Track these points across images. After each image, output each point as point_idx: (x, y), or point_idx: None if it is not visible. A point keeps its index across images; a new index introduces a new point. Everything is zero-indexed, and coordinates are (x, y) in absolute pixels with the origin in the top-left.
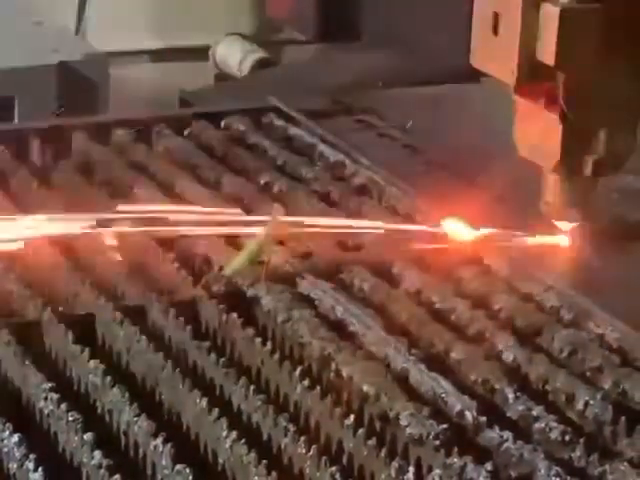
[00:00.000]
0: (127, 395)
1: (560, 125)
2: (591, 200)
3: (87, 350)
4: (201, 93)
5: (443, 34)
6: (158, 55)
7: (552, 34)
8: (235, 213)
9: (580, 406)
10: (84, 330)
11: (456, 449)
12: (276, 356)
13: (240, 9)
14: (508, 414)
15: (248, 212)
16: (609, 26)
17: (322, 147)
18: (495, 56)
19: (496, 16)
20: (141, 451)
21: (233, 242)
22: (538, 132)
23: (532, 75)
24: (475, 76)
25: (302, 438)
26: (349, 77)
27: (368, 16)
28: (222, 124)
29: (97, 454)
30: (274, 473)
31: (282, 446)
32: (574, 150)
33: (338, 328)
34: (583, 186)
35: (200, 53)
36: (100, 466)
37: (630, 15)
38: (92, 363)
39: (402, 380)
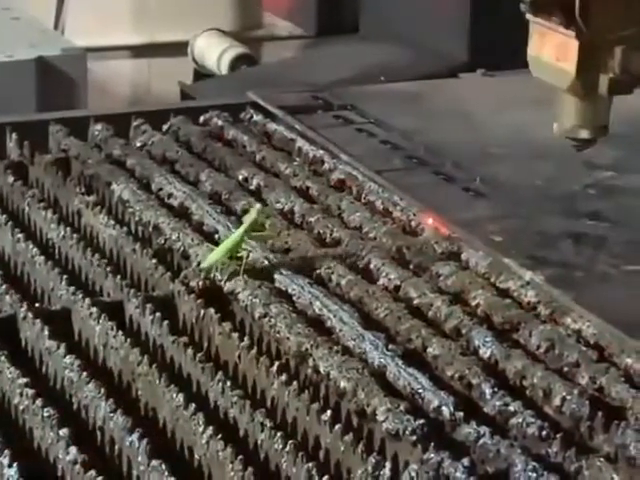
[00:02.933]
0: (103, 391)
1: (576, 43)
2: (605, 119)
3: (63, 346)
4: (202, 86)
5: (442, 28)
6: (137, 50)
7: None
8: None
9: (557, 402)
10: (60, 325)
11: (433, 444)
12: (253, 352)
13: (220, 5)
14: (485, 410)
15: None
16: None
17: (301, 143)
18: None
19: None
20: (117, 447)
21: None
22: (553, 51)
23: None
24: (473, 70)
25: (278, 434)
26: (341, 72)
27: (366, 10)
28: (201, 119)
29: (72, 450)
30: (250, 469)
31: (258, 442)
32: (590, 68)
33: (316, 324)
34: (598, 105)
35: (179, 48)
36: (75, 462)
37: None
38: (68, 359)
39: (379, 376)
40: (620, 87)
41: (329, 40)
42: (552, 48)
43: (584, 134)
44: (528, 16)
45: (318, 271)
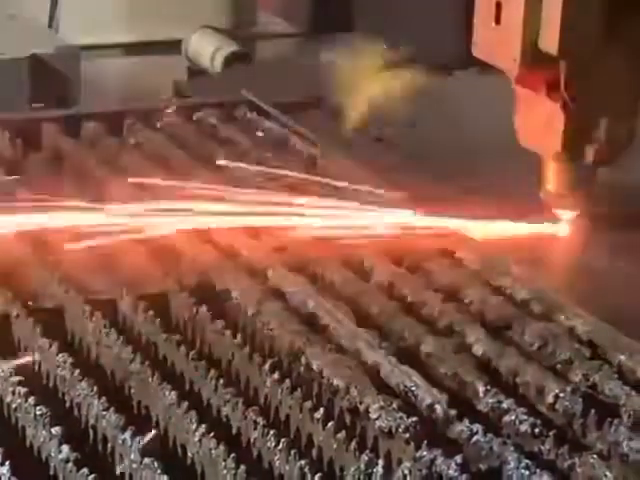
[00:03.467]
0: (96, 388)
1: (562, 113)
2: (591, 188)
3: (56, 344)
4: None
5: (436, 26)
6: (130, 48)
7: (555, 23)
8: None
9: (550, 399)
10: (53, 323)
11: (426, 442)
12: (246, 349)
13: (214, 2)
14: (478, 407)
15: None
16: (612, 15)
17: (294, 140)
18: (497, 45)
19: (498, 6)
20: (109, 445)
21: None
22: (539, 121)
23: (534, 63)
24: (464, 69)
25: (271, 432)
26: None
27: (360, 8)
28: (194, 117)
29: (65, 448)
30: (243, 466)
31: (251, 440)
32: (575, 138)
33: (309, 321)
34: (583, 174)
35: (173, 46)
36: (68, 460)
37: (633, 3)
38: (61, 357)
39: (372, 373)
40: (605, 156)
41: (323, 38)
42: (539, 118)
43: (569, 201)
44: (515, 86)
45: (312, 269)
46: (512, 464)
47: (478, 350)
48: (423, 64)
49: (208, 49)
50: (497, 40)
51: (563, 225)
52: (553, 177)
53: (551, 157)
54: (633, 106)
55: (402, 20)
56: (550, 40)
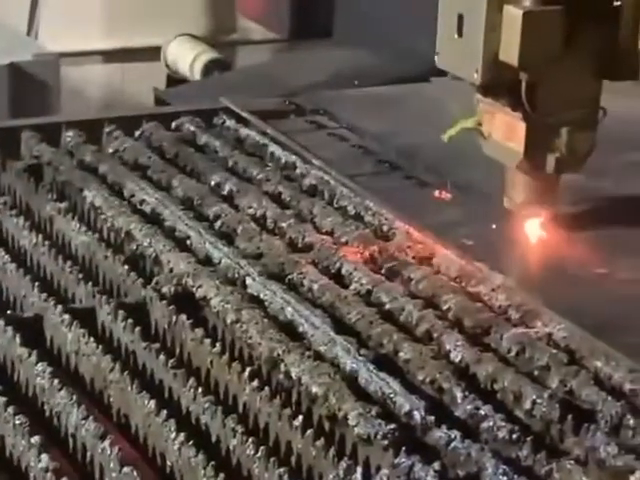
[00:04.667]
0: (75, 397)
1: (523, 124)
2: (554, 197)
3: (35, 352)
4: (176, 92)
5: (415, 32)
6: (110, 55)
7: (515, 35)
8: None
9: (528, 405)
10: (32, 332)
11: (404, 449)
12: (225, 357)
13: (194, 9)
14: (456, 413)
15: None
16: (571, 27)
17: (273, 147)
18: (460, 57)
19: (460, 18)
20: (89, 454)
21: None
22: (502, 131)
23: (496, 75)
24: (444, 74)
25: (250, 439)
26: (315, 76)
27: (341, 13)
28: (173, 125)
29: (44, 457)
30: (222, 474)
31: (230, 448)
32: (537, 148)
33: (287, 329)
34: (546, 183)
35: (153, 53)
36: (47, 469)
37: (591, 15)
38: (40, 366)
39: (351, 380)
40: (567, 166)
41: (303, 44)
42: (501, 128)
43: (533, 210)
44: (478, 97)
45: (290, 276)
46: (490, 470)
47: (456, 356)
48: (402, 70)
49: (187, 56)
50: (459, 51)
51: (532, 230)
52: (516, 185)
53: (514, 166)
54: (593, 115)
55: (381, 26)
56: (510, 51)
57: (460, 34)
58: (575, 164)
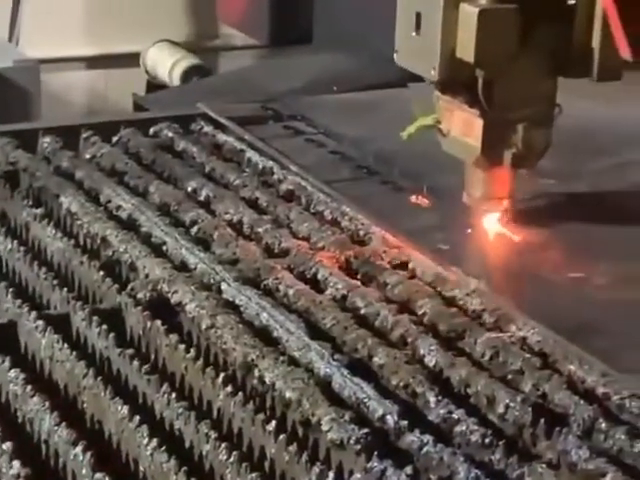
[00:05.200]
0: (47, 404)
1: (480, 120)
2: (511, 192)
3: (8, 359)
4: (154, 98)
5: (393, 39)
6: (91, 62)
7: (471, 33)
8: None
9: (501, 409)
10: (6, 338)
11: (376, 453)
12: (199, 363)
13: (175, 15)
14: (429, 418)
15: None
16: (526, 25)
17: (250, 153)
18: (418, 54)
19: (418, 15)
20: (61, 460)
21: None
22: (459, 127)
23: (453, 72)
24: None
25: (223, 444)
26: (293, 82)
27: (320, 20)
28: (150, 131)
29: (16, 463)
30: (194, 479)
31: (203, 453)
32: (493, 144)
33: (262, 334)
34: (503, 179)
35: (134, 59)
36: (18, 476)
37: (546, 14)
38: (13, 372)
39: (325, 386)
40: (523, 161)
41: (285, 51)
42: (459, 124)
43: (491, 205)
44: (436, 93)
45: (266, 282)
46: (462, 474)
47: (430, 361)
48: (380, 75)
49: (166, 62)
50: (417, 48)
51: (506, 234)
52: (475, 182)
53: (471, 162)
54: (549, 112)
55: (360, 32)
56: (467, 49)
57: (418, 32)
58: (531, 160)
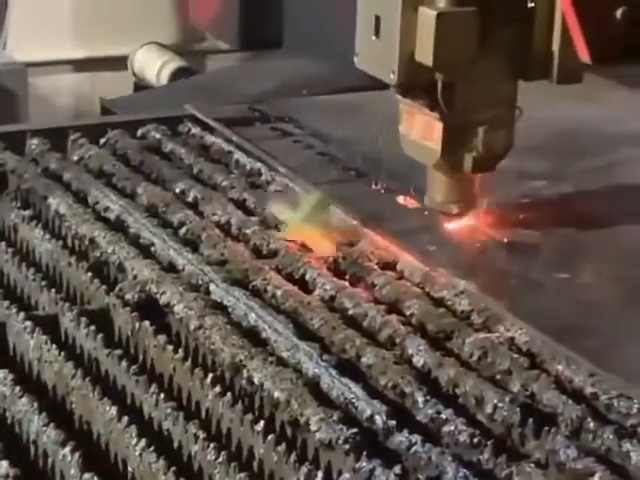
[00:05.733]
0: (36, 405)
1: (440, 123)
2: (472, 195)
3: None
4: (122, 101)
5: None
6: (79, 65)
7: (429, 36)
8: None
9: (489, 409)
10: None
11: (365, 453)
12: (188, 363)
13: (161, 19)
14: (418, 418)
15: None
16: (485, 28)
17: (238, 155)
18: (377, 58)
19: (377, 19)
20: (50, 460)
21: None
22: (420, 130)
23: (412, 75)
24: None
25: (212, 445)
26: (271, 85)
27: (290, 24)
28: (138, 133)
29: (4, 464)
30: None
31: (192, 453)
32: (454, 147)
33: (250, 335)
34: (464, 182)
35: (122, 63)
36: (7, 476)
37: (505, 17)
38: (1, 373)
39: (313, 386)
40: (483, 165)
41: (272, 54)
42: (419, 127)
43: (453, 208)
44: (397, 96)
45: (254, 282)
46: (450, 474)
47: (418, 361)
48: (350, 79)
49: (154, 65)
50: (376, 52)
51: (494, 235)
52: (435, 184)
53: (432, 165)
54: (509, 115)
55: (329, 37)
56: (425, 52)
57: (377, 35)
58: (491, 163)
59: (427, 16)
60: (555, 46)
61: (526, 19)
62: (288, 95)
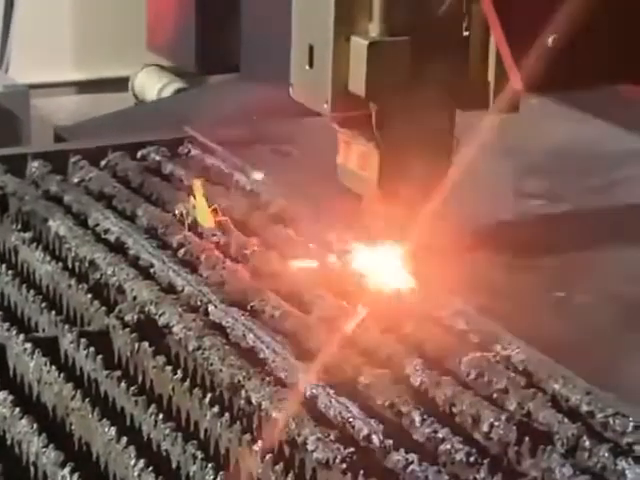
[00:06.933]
0: (36, 426)
1: (376, 153)
2: (410, 224)
3: None
4: (74, 128)
5: None
6: (81, 86)
7: (361, 66)
8: None
9: (485, 428)
10: None
11: (362, 472)
12: (186, 384)
13: None
14: (415, 437)
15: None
16: (419, 57)
17: (238, 176)
18: (311, 88)
19: (311, 48)
20: None
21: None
22: (357, 160)
23: (345, 105)
24: None
25: (210, 465)
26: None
27: (246, 49)
28: (138, 155)
29: None
30: None
31: (190, 474)
32: (390, 178)
33: (249, 355)
34: (401, 212)
35: (124, 84)
36: None
37: (439, 46)
38: (1, 394)
39: (311, 405)
40: (421, 195)
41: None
42: (356, 158)
43: (390, 237)
44: (334, 126)
45: (252, 303)
46: None
47: (415, 380)
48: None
49: (154, 86)
50: (311, 82)
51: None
52: (372, 215)
53: (369, 196)
54: (447, 145)
55: (285, 63)
56: (358, 82)
57: (311, 65)
58: (428, 193)
59: (359, 45)
60: (491, 75)
61: (461, 48)
62: (240, 122)
